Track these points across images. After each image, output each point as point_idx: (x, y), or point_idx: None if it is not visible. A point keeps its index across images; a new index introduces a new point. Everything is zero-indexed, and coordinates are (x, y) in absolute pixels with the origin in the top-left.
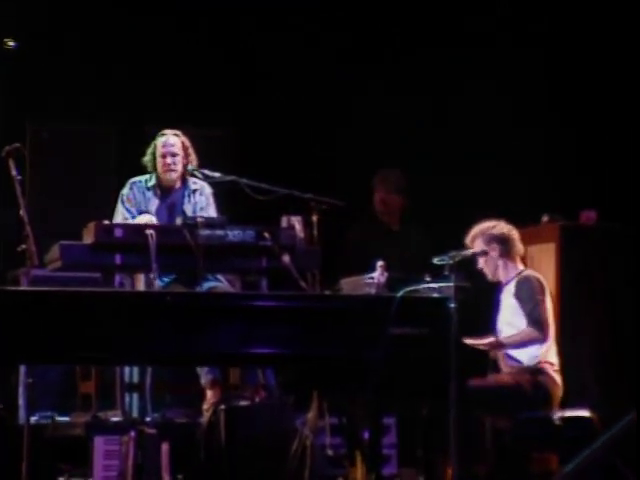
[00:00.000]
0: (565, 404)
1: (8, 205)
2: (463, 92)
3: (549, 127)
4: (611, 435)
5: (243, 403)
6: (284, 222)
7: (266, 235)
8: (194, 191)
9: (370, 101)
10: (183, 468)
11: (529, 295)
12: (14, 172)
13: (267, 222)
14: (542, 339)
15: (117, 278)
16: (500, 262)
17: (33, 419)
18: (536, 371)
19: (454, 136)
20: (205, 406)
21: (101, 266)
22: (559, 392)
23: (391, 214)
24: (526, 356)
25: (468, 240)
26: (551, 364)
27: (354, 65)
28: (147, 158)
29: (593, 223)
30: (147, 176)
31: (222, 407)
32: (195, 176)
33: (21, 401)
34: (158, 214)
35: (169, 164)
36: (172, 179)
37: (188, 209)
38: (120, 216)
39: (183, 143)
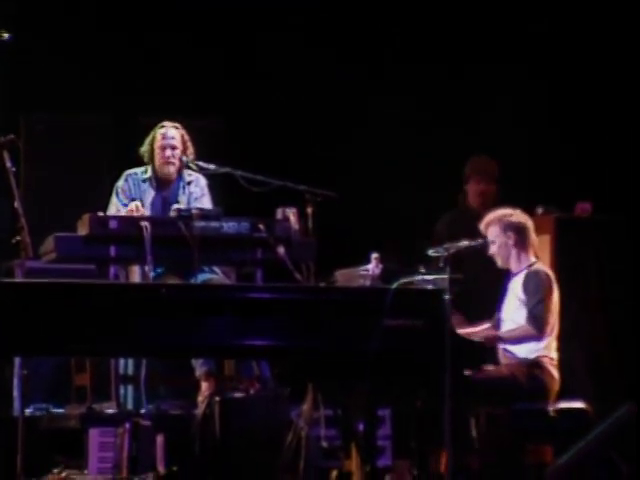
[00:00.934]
0: (560, 396)
1: (2, 197)
2: (460, 86)
3: (545, 119)
4: (605, 427)
5: (238, 395)
6: (279, 214)
7: (261, 227)
8: (189, 182)
9: (364, 92)
10: (178, 460)
11: (535, 290)
12: (8, 164)
13: (262, 214)
14: (538, 337)
15: (112, 270)
16: (514, 251)
17: (28, 411)
18: (534, 364)
19: (449, 127)
20: (200, 398)
21: (96, 258)
22: (556, 386)
23: (487, 205)
24: (525, 349)
25: (482, 226)
26: (550, 359)
27: (348, 58)
28: (144, 148)
29: (588, 215)
30: (143, 168)
31: (217, 399)
32: (190, 168)
33: (15, 393)
34: (153, 206)
35: (168, 157)
36: (170, 172)
37: (183, 200)
38: (114, 208)
39: (182, 136)
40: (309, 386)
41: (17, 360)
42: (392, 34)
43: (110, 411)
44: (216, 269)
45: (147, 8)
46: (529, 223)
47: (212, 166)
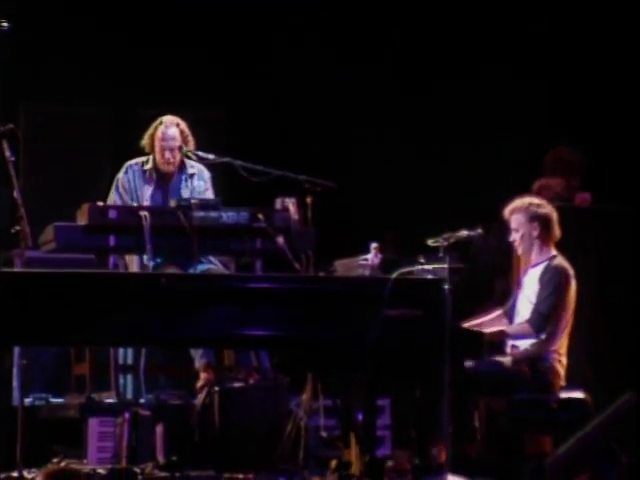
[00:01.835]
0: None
1: (2, 186)
2: (459, 83)
3: (545, 109)
4: (605, 417)
5: (237, 385)
6: (278, 204)
7: (260, 217)
8: (191, 175)
9: (364, 84)
10: (177, 449)
11: (549, 282)
12: (8, 153)
13: (261, 204)
14: (535, 336)
15: (111, 259)
16: (537, 242)
17: (27, 401)
18: (538, 358)
19: (448, 118)
20: (199, 384)
21: (95, 248)
22: (558, 382)
23: (570, 200)
24: (531, 343)
25: (506, 212)
26: (558, 354)
27: (347, 54)
28: (145, 141)
29: (588, 205)
30: (144, 158)
31: (216, 389)
32: (189, 158)
33: (15, 383)
34: (153, 198)
35: (168, 158)
36: (170, 170)
37: (186, 194)
38: (111, 201)
39: (182, 132)
40: (308, 376)
41: (16, 350)
42: (392, 33)
43: (109, 401)
44: (215, 260)
45: (147, 1)
46: (554, 215)
47: (211, 156)
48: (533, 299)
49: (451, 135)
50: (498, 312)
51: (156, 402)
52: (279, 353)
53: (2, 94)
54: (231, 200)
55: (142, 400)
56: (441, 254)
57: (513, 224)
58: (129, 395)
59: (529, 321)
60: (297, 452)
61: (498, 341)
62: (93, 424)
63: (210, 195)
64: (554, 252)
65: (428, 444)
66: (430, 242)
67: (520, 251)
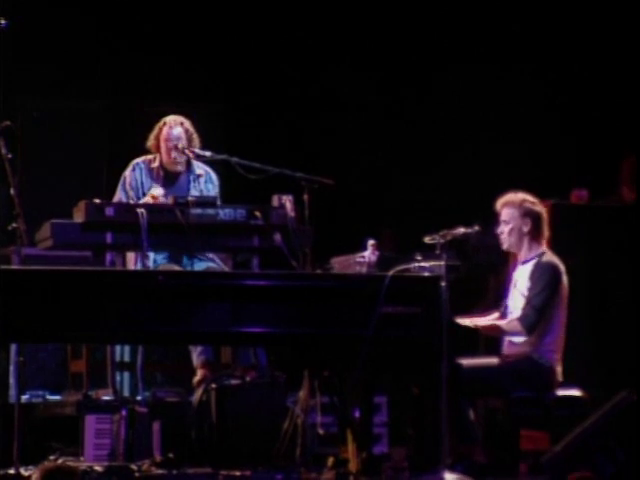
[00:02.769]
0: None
1: None
2: (458, 80)
3: (542, 107)
4: (603, 414)
5: (234, 382)
6: (275, 201)
7: (257, 214)
8: (199, 176)
9: (363, 81)
10: (174, 446)
11: (540, 279)
12: (4, 150)
13: (258, 201)
14: (525, 335)
15: (108, 257)
16: (526, 239)
17: (24, 398)
18: (535, 357)
19: (445, 115)
20: (196, 379)
21: (92, 245)
22: (555, 380)
23: None
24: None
25: (498, 204)
26: (554, 351)
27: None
28: (150, 142)
29: (584, 202)
30: (151, 156)
31: (213, 386)
32: (186, 155)
33: (12, 380)
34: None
35: (174, 157)
36: (177, 170)
37: (195, 194)
38: (117, 197)
39: (187, 131)
40: (305, 373)
41: (13, 347)
42: (390, 32)
43: (106, 398)
44: (217, 259)
45: None
46: (545, 216)
47: (208, 153)
48: (524, 295)
49: (449, 132)
50: (495, 315)
51: (153, 399)
52: (276, 350)
53: None
54: (228, 197)
55: (139, 397)
56: (438, 251)
57: (504, 216)
58: (126, 392)
59: (520, 319)
60: (294, 449)
61: (494, 337)
62: (90, 421)
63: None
64: (543, 249)
65: (425, 441)
66: (427, 239)
67: (506, 245)
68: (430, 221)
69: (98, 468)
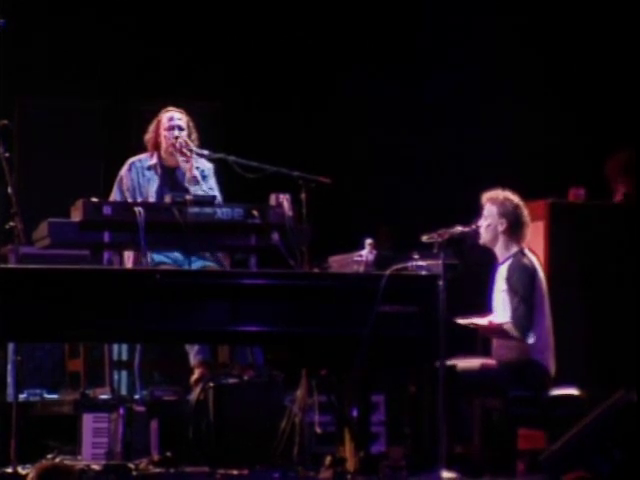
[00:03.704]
0: (553, 382)
1: None
2: (457, 71)
3: (539, 106)
4: (600, 413)
5: (232, 381)
6: (272, 200)
7: (255, 213)
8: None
9: (360, 79)
10: (172, 445)
11: (516, 285)
12: (1, 149)
13: (256, 200)
14: (519, 339)
15: (106, 255)
16: (501, 238)
17: (22, 397)
18: (528, 358)
19: (443, 114)
20: (193, 378)
21: (89, 244)
22: (549, 378)
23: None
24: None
25: (483, 198)
26: (546, 349)
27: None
28: (149, 135)
29: (582, 200)
30: (147, 154)
31: (211, 385)
32: (182, 153)
33: (9, 379)
34: (159, 193)
35: (177, 137)
36: (174, 164)
37: (197, 191)
38: (112, 197)
39: (188, 122)
40: (303, 372)
41: (11, 346)
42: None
43: (104, 397)
44: (220, 258)
45: None
46: (527, 219)
47: (205, 152)
48: (504, 297)
49: (446, 131)
50: (492, 316)
51: (151, 398)
52: (273, 349)
53: None
54: (226, 196)
55: (137, 396)
56: (435, 250)
57: (485, 211)
58: (123, 391)
59: (513, 325)
60: (292, 448)
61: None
62: (87, 420)
63: (212, 182)
64: (517, 248)
65: (423, 440)
66: (424, 238)
67: (481, 240)
68: (428, 220)
69: (96, 467)
